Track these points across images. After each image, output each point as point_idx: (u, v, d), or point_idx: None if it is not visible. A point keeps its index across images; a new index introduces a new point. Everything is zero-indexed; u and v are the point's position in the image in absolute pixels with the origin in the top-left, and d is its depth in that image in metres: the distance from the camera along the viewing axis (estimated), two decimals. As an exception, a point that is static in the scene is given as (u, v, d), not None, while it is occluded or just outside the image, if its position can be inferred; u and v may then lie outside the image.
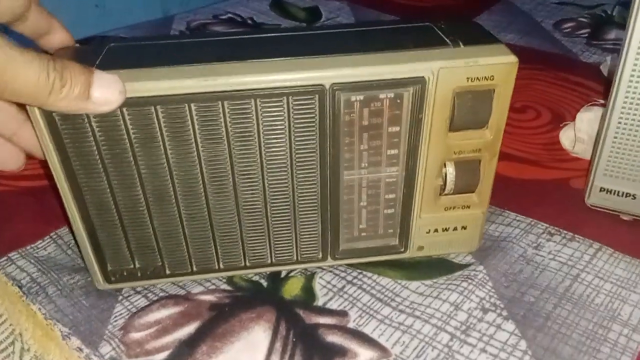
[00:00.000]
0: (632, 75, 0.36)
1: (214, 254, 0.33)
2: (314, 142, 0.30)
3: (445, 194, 0.34)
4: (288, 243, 0.34)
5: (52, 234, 0.39)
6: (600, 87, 0.59)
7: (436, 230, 0.35)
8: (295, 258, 0.35)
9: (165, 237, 0.32)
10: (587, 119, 0.47)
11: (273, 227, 0.33)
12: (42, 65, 0.24)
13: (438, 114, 0.30)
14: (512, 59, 0.30)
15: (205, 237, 0.33)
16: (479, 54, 0.29)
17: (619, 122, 0.38)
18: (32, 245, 0.38)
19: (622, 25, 0.72)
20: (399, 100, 0.30)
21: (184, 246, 0.33)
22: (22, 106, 0.28)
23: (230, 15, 0.77)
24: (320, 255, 0.35)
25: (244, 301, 0.34)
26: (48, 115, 0.27)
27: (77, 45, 0.33)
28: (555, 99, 0.57)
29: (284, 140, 0.30)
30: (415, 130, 0.31)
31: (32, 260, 0.36)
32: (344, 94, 0.29)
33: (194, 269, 0.34)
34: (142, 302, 0.34)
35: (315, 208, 0.33)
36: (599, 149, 0.39)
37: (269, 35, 0.33)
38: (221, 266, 0.34)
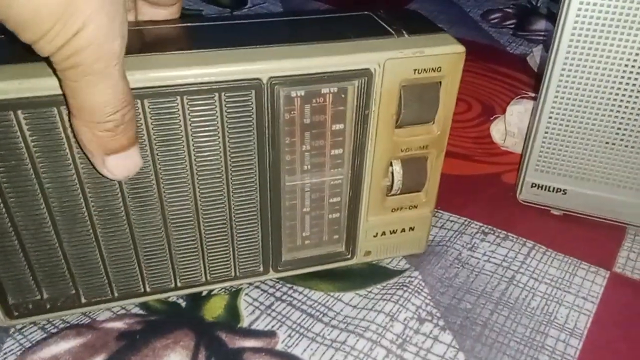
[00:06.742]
0: (562, 69, 0.35)
1: (139, 275, 0.29)
2: (252, 143, 0.27)
3: (392, 195, 0.32)
4: (225, 258, 0.30)
5: None
6: (528, 79, 0.59)
7: (384, 234, 0.33)
8: (233, 274, 0.31)
9: (78, 261, 0.28)
10: (517, 112, 0.47)
11: (207, 241, 0.29)
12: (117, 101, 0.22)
13: (384, 109, 0.28)
14: (459, 48, 0.28)
15: (127, 257, 0.28)
16: (425, 43, 0.27)
17: (550, 117, 0.37)
18: None
19: (547, 16, 0.74)
20: (343, 95, 0.27)
21: (101, 269, 0.28)
22: None
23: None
24: (262, 269, 0.31)
25: (158, 326, 0.30)
26: None
27: None
28: (485, 91, 0.57)
29: (217, 143, 0.26)
30: (362, 127, 0.28)
31: None
32: (284, 89, 0.26)
33: (115, 294, 0.29)
34: (38, 335, 0.29)
35: (255, 217, 0.29)
36: (529, 145, 0.39)
37: (191, 24, 0.29)
38: (148, 289, 0.30)
